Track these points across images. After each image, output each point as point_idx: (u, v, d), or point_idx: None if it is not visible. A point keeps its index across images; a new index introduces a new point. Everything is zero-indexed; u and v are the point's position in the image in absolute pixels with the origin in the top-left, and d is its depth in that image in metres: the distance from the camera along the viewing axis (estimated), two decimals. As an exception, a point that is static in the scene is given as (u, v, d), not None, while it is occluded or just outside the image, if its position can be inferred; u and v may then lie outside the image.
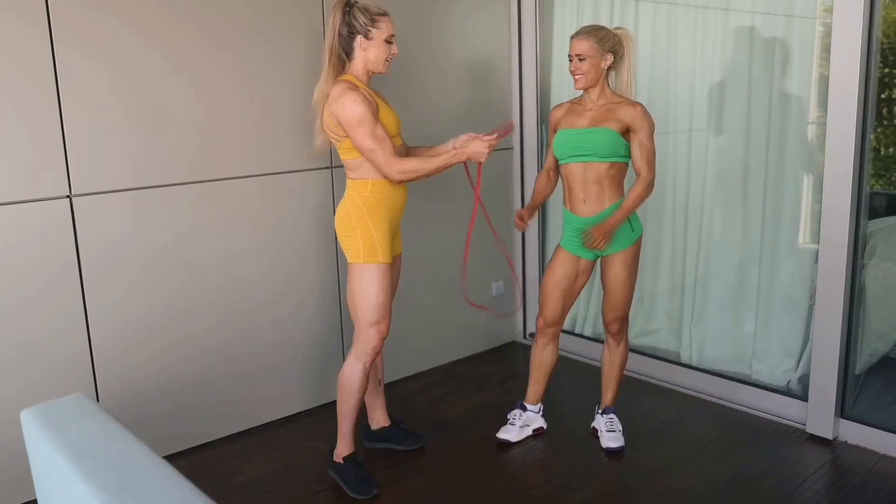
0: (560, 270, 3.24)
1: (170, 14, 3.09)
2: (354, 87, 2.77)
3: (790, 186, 3.62)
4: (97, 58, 2.93)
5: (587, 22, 4.19)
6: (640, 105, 3.02)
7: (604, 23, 4.03)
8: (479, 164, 2.96)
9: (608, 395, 3.44)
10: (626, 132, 3.02)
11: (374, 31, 2.81)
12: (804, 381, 3.57)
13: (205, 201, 3.30)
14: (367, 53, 2.84)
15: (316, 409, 3.77)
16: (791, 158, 3.59)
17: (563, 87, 4.36)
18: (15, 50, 2.75)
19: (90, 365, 3.07)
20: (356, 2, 2.84)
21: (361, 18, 2.80)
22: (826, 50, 3.23)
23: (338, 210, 2.95)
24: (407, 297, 3.94)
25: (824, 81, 3.27)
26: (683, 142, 3.94)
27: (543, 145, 4.44)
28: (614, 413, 3.42)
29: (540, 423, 3.52)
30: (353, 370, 2.97)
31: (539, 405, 3.52)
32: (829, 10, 3.20)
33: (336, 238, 3.06)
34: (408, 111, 3.35)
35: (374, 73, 2.90)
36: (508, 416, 3.52)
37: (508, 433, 3.45)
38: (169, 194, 3.19)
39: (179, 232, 3.25)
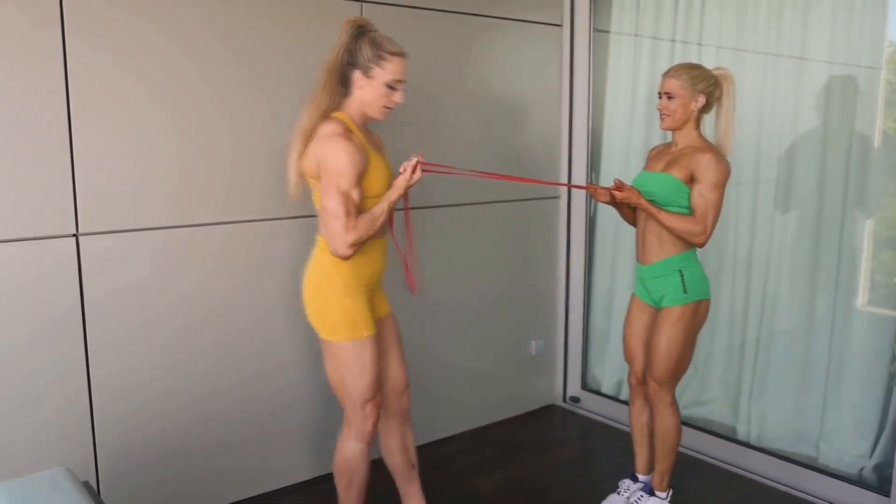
0: (637, 321, 3.04)
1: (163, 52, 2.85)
2: (348, 133, 2.37)
3: (866, 243, 3.26)
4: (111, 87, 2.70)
5: (644, 63, 3.92)
6: (713, 152, 2.75)
7: (662, 65, 3.79)
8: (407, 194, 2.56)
9: (640, 461, 3.15)
10: (690, 180, 2.77)
11: (375, 69, 2.41)
12: (881, 469, 3.18)
13: (231, 243, 3.05)
14: (363, 93, 2.44)
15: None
16: (867, 213, 3.25)
17: (616, 132, 4.08)
18: (26, 77, 2.54)
19: (89, 423, 2.80)
20: (373, 29, 2.46)
21: (367, 51, 2.40)
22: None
23: (306, 276, 2.54)
24: (435, 355, 3.65)
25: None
26: (748, 193, 3.60)
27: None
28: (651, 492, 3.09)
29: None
30: (356, 452, 2.62)
31: (651, 475, 3.19)
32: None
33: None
34: (437, 151, 2.99)
35: (368, 117, 2.51)
36: (619, 484, 3.25)
37: (614, 503, 3.18)
38: (193, 235, 2.95)
39: (198, 278, 2.98)
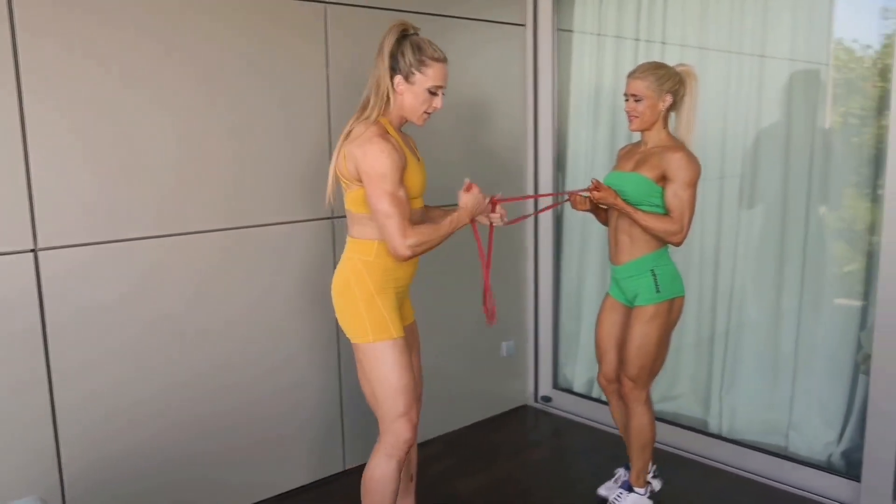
0: (609, 319, 3.06)
1: (146, 50, 2.76)
2: (384, 134, 2.36)
3: (832, 234, 3.31)
4: (65, 96, 2.61)
5: (607, 64, 3.93)
6: (683, 150, 2.77)
7: (626, 63, 3.81)
8: (491, 225, 2.69)
9: (631, 472, 3.13)
10: (662, 179, 2.77)
11: (417, 76, 2.38)
12: (848, 455, 3.24)
13: (208, 253, 2.96)
14: (403, 99, 2.41)
15: (314, 484, 3.41)
16: (834, 203, 3.29)
17: (581, 132, 4.09)
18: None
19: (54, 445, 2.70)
20: (415, 32, 2.43)
21: (409, 56, 2.37)
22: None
23: (335, 276, 2.53)
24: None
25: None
26: (713, 189, 3.63)
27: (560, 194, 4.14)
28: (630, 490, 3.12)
29: (653, 484, 3.22)
30: (385, 470, 2.48)
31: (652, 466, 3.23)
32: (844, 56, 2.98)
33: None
34: None
35: (407, 121, 2.50)
36: (615, 472, 3.33)
37: (609, 490, 3.24)
38: (169, 245, 2.85)
39: (172, 292, 2.90)
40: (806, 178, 3.30)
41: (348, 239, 2.53)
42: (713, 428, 3.69)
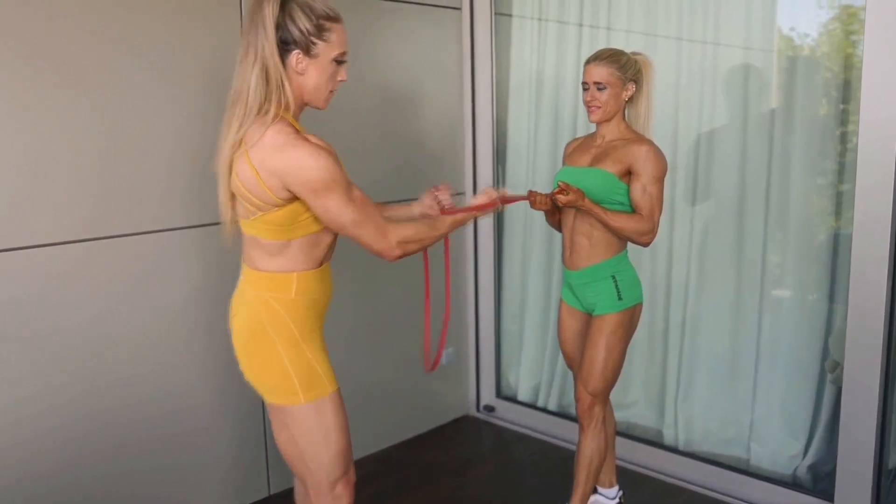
0: (569, 328, 2.79)
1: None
2: (298, 133, 1.87)
3: (796, 222, 3.07)
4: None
5: (549, 50, 3.66)
6: (650, 143, 2.52)
7: (569, 52, 3.55)
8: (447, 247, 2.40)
9: (575, 496, 2.80)
10: (626, 174, 2.51)
11: (320, 45, 1.89)
12: (815, 470, 3.03)
13: (111, 259, 2.60)
14: (305, 79, 1.91)
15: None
16: (797, 187, 3.04)
17: (521, 124, 3.81)
18: None
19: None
20: None
21: (303, 23, 1.86)
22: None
23: (239, 322, 2.02)
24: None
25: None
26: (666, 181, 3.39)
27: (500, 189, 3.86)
28: None
29: None
30: None
31: (614, 488, 2.96)
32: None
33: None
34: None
35: (308, 106, 2.00)
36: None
37: None
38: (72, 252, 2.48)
39: (76, 299, 2.54)
40: (764, 168, 3.08)
41: (251, 273, 2.01)
42: (669, 439, 3.46)
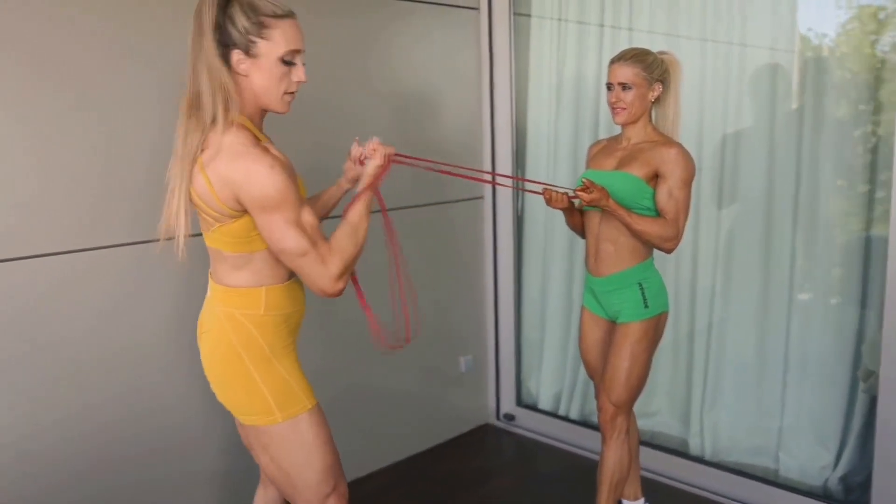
0: (591, 336, 2.70)
1: None
2: (257, 141, 1.77)
3: (825, 225, 2.97)
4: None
5: (570, 52, 3.59)
6: (678, 146, 2.43)
7: (590, 53, 3.48)
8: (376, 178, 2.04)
9: (631, 486, 2.78)
10: (653, 178, 2.42)
11: (260, 43, 1.75)
12: (847, 481, 2.93)
13: (89, 272, 2.53)
14: (250, 81, 1.79)
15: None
16: (826, 189, 2.94)
17: (541, 125, 3.74)
18: None
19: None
20: None
21: (241, 21, 1.73)
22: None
23: (207, 342, 1.93)
24: (350, 381, 3.23)
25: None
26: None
27: (520, 192, 3.79)
28: None
29: None
30: None
31: (640, 500, 2.88)
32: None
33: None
34: (343, 152, 2.26)
35: (267, 110, 1.88)
36: None
37: None
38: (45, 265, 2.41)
39: (51, 314, 2.47)
40: (793, 169, 2.99)
41: (218, 289, 1.91)
42: (694, 449, 3.36)
